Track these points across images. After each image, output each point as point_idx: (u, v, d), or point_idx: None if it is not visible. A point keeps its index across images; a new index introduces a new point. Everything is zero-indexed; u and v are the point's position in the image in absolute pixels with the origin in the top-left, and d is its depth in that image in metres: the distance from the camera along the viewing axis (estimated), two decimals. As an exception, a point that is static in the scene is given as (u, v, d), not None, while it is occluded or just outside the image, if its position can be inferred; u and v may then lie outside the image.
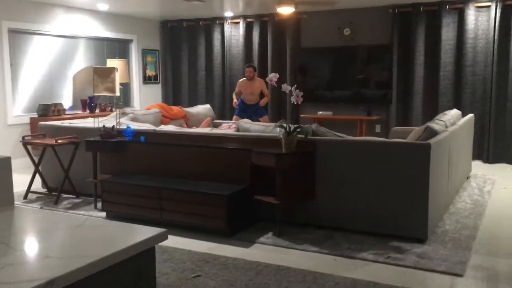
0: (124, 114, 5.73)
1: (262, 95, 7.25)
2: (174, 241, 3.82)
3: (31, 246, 1.38)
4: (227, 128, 6.03)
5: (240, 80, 7.42)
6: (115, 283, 1.33)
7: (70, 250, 1.33)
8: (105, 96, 7.91)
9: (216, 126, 6.50)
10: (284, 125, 3.96)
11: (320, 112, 8.01)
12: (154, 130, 4.91)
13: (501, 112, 6.87)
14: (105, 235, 1.45)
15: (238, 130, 4.99)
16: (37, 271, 1.18)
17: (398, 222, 3.80)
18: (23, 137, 5.20)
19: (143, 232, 1.44)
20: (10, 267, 1.20)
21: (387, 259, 3.43)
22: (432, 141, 3.76)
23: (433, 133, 4.03)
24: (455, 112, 5.38)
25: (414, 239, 3.75)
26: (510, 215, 4.58)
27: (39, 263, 1.23)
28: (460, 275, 3.16)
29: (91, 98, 7.66)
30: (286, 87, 4.14)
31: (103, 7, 7.58)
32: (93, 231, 1.48)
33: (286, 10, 6.27)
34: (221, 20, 8.76)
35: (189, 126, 6.38)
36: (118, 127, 4.95)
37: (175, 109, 6.55)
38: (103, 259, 1.25)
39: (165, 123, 5.99)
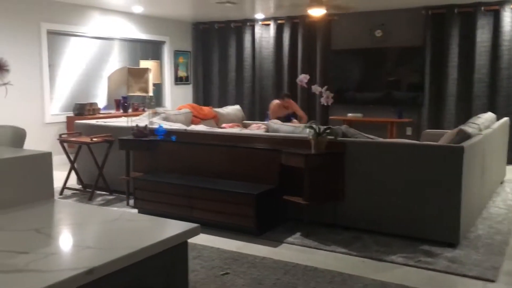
0: (156, 113, 5.85)
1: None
2: (203, 239, 3.89)
3: (71, 237, 1.45)
4: (256, 128, 6.07)
5: (273, 105, 7.20)
6: (149, 275, 1.38)
7: (108, 241, 1.39)
8: (138, 96, 8.08)
9: (245, 126, 6.55)
10: (314, 126, 3.97)
11: (350, 114, 7.96)
12: (185, 129, 5.00)
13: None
14: (140, 228, 1.51)
15: (267, 130, 5.02)
16: (77, 261, 1.24)
17: (429, 225, 3.75)
18: (60, 135, 5.38)
19: (176, 227, 1.49)
20: (52, 256, 1.26)
21: (417, 262, 3.39)
22: (465, 144, 3.70)
23: (466, 136, 3.96)
24: (489, 115, 5.27)
25: (445, 243, 3.70)
26: (546, 221, 4.45)
27: (79, 253, 1.29)
28: (493, 281, 3.10)
29: (124, 98, 7.85)
30: (316, 88, 4.15)
31: (138, 9, 7.75)
32: (128, 225, 1.54)
33: (317, 12, 6.27)
34: (251, 22, 8.82)
35: (219, 126, 6.45)
36: (150, 126, 5.05)
37: (206, 109, 6.63)
38: (138, 251, 1.30)
39: (196, 123, 6.07)
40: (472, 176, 3.93)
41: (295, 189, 4.14)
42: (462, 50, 7.15)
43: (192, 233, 1.47)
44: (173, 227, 1.49)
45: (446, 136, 4.32)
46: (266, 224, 4.08)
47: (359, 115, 7.92)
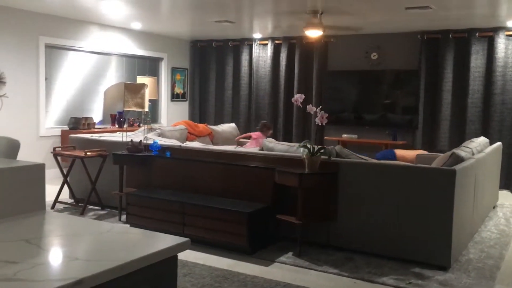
0: (151, 129, 5.86)
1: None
2: (194, 256, 3.86)
3: (61, 248, 1.44)
4: (251, 147, 6.09)
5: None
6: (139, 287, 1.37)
7: (97, 253, 1.39)
8: (134, 111, 8.09)
9: (240, 144, 6.57)
10: (308, 145, 3.99)
11: (345, 135, 8.01)
12: (180, 146, 5.00)
13: (531, 141, 6.74)
14: (130, 241, 1.51)
15: (262, 149, 5.04)
16: (66, 271, 1.23)
17: (420, 248, 3.75)
18: (54, 148, 5.37)
19: (166, 240, 1.49)
20: (40, 267, 1.26)
21: (408, 285, 3.38)
22: (457, 167, 3.72)
23: (459, 159, 3.99)
24: (482, 139, 5.31)
25: (437, 266, 3.69)
26: (538, 247, 4.46)
27: (68, 264, 1.29)
28: (483, 305, 3.09)
29: (120, 113, 7.86)
30: (311, 108, 4.18)
31: (136, 26, 7.82)
32: (119, 237, 1.54)
33: (314, 33, 6.35)
34: (249, 41, 8.91)
35: (214, 143, 6.46)
36: (145, 142, 5.06)
37: (201, 126, 6.66)
38: (128, 264, 1.30)
39: (191, 140, 6.09)
40: (464, 200, 3.95)
41: (288, 208, 4.13)
42: (456, 74, 7.24)
43: (182, 247, 1.47)
44: (162, 241, 1.49)
45: (439, 159, 4.35)
46: (258, 243, 4.07)
47: (354, 136, 7.96)
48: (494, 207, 5.77)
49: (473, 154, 4.46)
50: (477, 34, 7.06)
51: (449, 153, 4.18)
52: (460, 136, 7.10)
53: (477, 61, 7.08)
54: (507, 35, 6.87)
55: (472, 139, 5.17)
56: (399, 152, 5.96)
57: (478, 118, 7.09)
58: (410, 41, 7.58)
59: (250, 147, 6.38)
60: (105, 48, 7.85)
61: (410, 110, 7.61)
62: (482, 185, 4.73)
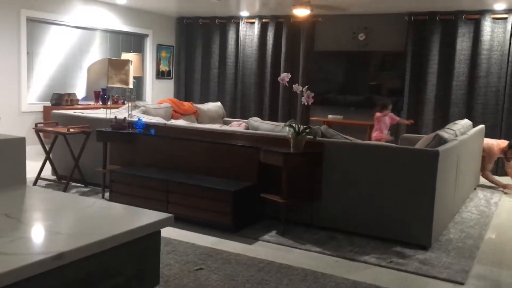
0: (135, 107, 5.79)
1: None
2: (178, 234, 3.87)
3: (41, 222, 1.42)
4: (237, 125, 6.07)
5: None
6: (120, 263, 1.36)
7: (79, 228, 1.37)
8: (118, 88, 7.99)
9: (226, 124, 6.55)
10: (294, 125, 3.99)
11: (331, 116, 8.02)
12: (165, 123, 4.96)
13: (513, 124, 6.83)
14: (113, 216, 1.49)
15: (247, 128, 5.02)
16: (46, 245, 1.22)
17: (402, 227, 3.80)
18: (36, 124, 5.28)
19: (149, 216, 1.47)
20: (21, 240, 1.24)
21: (389, 263, 3.44)
22: (440, 148, 3.76)
23: (442, 141, 4.03)
24: (465, 122, 5.37)
25: (418, 245, 3.75)
26: (516, 227, 4.56)
27: (49, 238, 1.27)
28: (462, 283, 3.16)
29: (104, 89, 7.74)
30: (297, 87, 4.16)
31: (121, 0, 7.66)
32: (101, 212, 1.52)
33: (301, 12, 6.30)
34: (236, 19, 8.80)
35: (199, 122, 6.43)
36: (129, 119, 5.00)
37: (186, 104, 6.60)
38: (110, 238, 1.28)
39: (176, 118, 6.04)
40: (446, 181, 4.00)
41: (273, 187, 4.14)
42: (442, 57, 7.26)
43: (165, 222, 1.46)
44: (146, 216, 1.48)
45: (422, 140, 4.38)
46: (242, 221, 4.08)
47: (339, 117, 7.98)
48: (475, 188, 5.86)
49: (456, 136, 4.50)
50: (464, 16, 7.07)
51: (432, 134, 4.21)
52: (444, 118, 7.16)
53: (463, 43, 7.10)
54: (493, 18, 6.89)
55: (456, 121, 5.22)
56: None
57: (462, 100, 7.15)
58: (398, 23, 7.56)
59: (380, 132, 6.66)
60: (89, 23, 7.68)
61: (396, 91, 7.64)
62: (464, 166, 4.80)
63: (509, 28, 6.77)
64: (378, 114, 6.74)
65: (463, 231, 4.21)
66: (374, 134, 6.73)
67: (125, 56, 8.19)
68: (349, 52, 7.96)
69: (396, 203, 3.81)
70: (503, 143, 5.97)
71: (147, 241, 1.43)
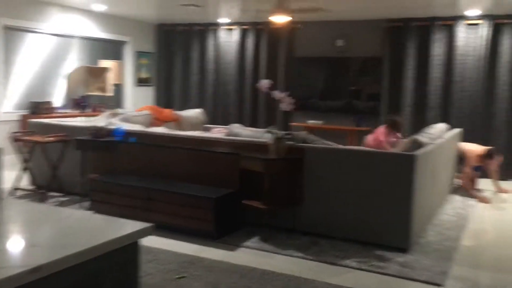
0: (115, 114, 5.75)
1: None
2: (160, 242, 3.84)
3: (18, 235, 1.40)
4: (218, 132, 6.07)
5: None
6: (99, 275, 1.35)
7: (57, 240, 1.36)
8: (97, 96, 7.92)
9: (207, 130, 6.54)
10: (274, 131, 4.01)
11: (311, 121, 8.08)
12: (145, 131, 4.93)
13: (487, 128, 6.98)
14: (91, 227, 1.48)
15: (228, 135, 5.03)
16: (23, 258, 1.21)
17: (382, 231, 3.85)
18: (12, 133, 5.19)
19: (128, 226, 1.47)
20: (-3, 254, 1.22)
21: (370, 267, 3.47)
22: (417, 152, 3.82)
23: (419, 145, 4.10)
24: (442, 125, 5.47)
25: (397, 248, 3.80)
26: (491, 228, 4.66)
27: (26, 251, 1.26)
28: (441, 285, 3.21)
29: (83, 97, 7.66)
30: (277, 94, 4.19)
31: (99, 7, 7.60)
32: (79, 224, 1.51)
33: (281, 19, 6.34)
34: (215, 26, 8.82)
35: (180, 129, 6.40)
36: (108, 127, 4.96)
37: (167, 111, 6.57)
38: (88, 250, 1.28)
39: (156, 125, 6.00)
40: (423, 184, 4.06)
41: (254, 193, 4.15)
42: (418, 62, 7.39)
43: (145, 232, 1.46)
44: (125, 226, 1.47)
45: (400, 145, 4.45)
46: (224, 228, 4.08)
47: (320, 122, 8.04)
48: (451, 191, 5.96)
49: (432, 139, 4.59)
50: (438, 23, 7.21)
51: (410, 138, 4.28)
52: (421, 122, 7.27)
53: (438, 49, 7.24)
54: (467, 24, 7.05)
55: (432, 125, 5.32)
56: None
57: (438, 104, 7.29)
58: (375, 29, 7.67)
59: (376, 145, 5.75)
60: (67, 31, 7.60)
61: (375, 96, 7.74)
62: (441, 169, 4.89)
63: (482, 34, 6.94)
64: (383, 130, 5.92)
65: (441, 233, 4.28)
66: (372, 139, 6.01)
67: (103, 63, 8.13)
68: (329, 58, 8.04)
69: (375, 206, 3.85)
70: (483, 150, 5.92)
71: (126, 252, 1.43)
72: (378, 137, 5.96)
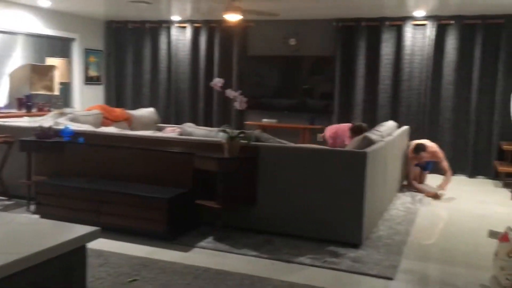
0: (63, 114, 5.54)
1: None
2: (111, 245, 3.74)
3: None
4: (171, 131, 5.98)
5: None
6: (44, 281, 1.29)
7: (-3, 247, 1.28)
8: (44, 95, 7.61)
9: (160, 130, 6.43)
10: (228, 130, 3.99)
11: (265, 120, 8.11)
12: (94, 131, 4.79)
13: (434, 125, 7.26)
14: (34, 232, 1.41)
15: (181, 134, 4.96)
16: (-42, 268, 1.13)
17: (335, 227, 3.92)
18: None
19: (74, 230, 1.41)
20: None
21: (323, 263, 3.52)
22: (368, 150, 3.91)
23: (370, 142, 4.20)
24: (391, 123, 5.63)
25: (350, 244, 3.88)
26: (438, 222, 4.84)
27: (-40, 260, 1.18)
28: (391, 279, 3.30)
29: (28, 96, 7.34)
30: (230, 93, 4.17)
31: (44, 3, 7.31)
32: (22, 228, 1.43)
33: (233, 18, 6.32)
34: (167, 24, 8.68)
35: (131, 129, 6.26)
36: (55, 127, 4.78)
37: (118, 111, 6.41)
38: (31, 256, 1.21)
39: (107, 125, 5.84)
40: (374, 180, 4.17)
41: (209, 193, 4.12)
42: (368, 61, 7.58)
43: (92, 236, 1.40)
44: (70, 231, 1.41)
45: (352, 142, 4.55)
46: (178, 229, 4.02)
47: (273, 121, 8.09)
48: (401, 187, 6.15)
49: (382, 137, 4.71)
50: (387, 23, 7.42)
51: (361, 136, 4.38)
52: (371, 120, 7.46)
53: (387, 48, 7.45)
54: (414, 25, 7.29)
55: (382, 123, 5.47)
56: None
57: (388, 103, 7.50)
58: (327, 28, 7.80)
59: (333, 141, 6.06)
60: (10, 27, 7.25)
61: (327, 95, 7.87)
62: (391, 166, 5.03)
63: (428, 33, 7.20)
64: (347, 130, 6.06)
65: (391, 228, 4.40)
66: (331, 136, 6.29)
67: (50, 61, 7.82)
68: (281, 56, 8.10)
69: (328, 204, 3.91)
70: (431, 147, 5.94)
71: (73, 257, 1.37)
72: (340, 135, 6.15)
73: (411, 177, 6.07)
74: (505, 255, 3.24)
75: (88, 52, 8.74)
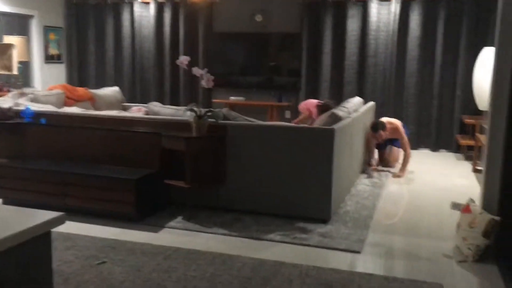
0: (23, 94, 5.34)
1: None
2: (79, 228, 3.68)
3: None
4: (137, 111, 5.87)
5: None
6: (8, 269, 1.25)
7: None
8: (2, 75, 7.31)
9: (125, 109, 6.30)
10: (195, 109, 3.94)
11: (233, 97, 8.06)
12: (57, 112, 4.65)
13: (399, 101, 7.38)
14: (-5, 220, 1.36)
15: (148, 113, 4.87)
16: None
17: (304, 203, 3.96)
18: None
19: (38, 216, 1.37)
20: None
21: (293, 239, 3.57)
22: (336, 126, 3.95)
23: (337, 119, 4.23)
24: (357, 99, 5.69)
25: (319, 219, 3.94)
26: (404, 196, 4.97)
27: None
28: (359, 252, 3.38)
29: (-15, 76, 7.04)
30: (197, 71, 4.11)
31: (-1, -23, 6.95)
32: (-19, 217, 1.38)
33: (198, -7, 6.19)
34: (130, 0, 8.43)
35: (95, 109, 6.11)
36: (15, 108, 4.61)
37: (81, 90, 6.23)
38: (-8, 245, 1.17)
39: (69, 105, 5.68)
40: (342, 156, 4.22)
41: (177, 173, 4.08)
42: (334, 38, 7.59)
43: (56, 222, 1.36)
44: (34, 217, 1.36)
45: (319, 119, 4.57)
46: (146, 210, 3.99)
47: (241, 98, 8.05)
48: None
49: (349, 113, 4.76)
50: (353, -1, 7.42)
51: (328, 113, 4.41)
52: (338, 97, 7.53)
53: (353, 25, 7.47)
54: (379, 1, 7.33)
55: (349, 99, 5.51)
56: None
57: (354, 79, 7.56)
58: (293, 5, 7.74)
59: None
60: (-39, 2, 6.88)
61: (294, 72, 7.87)
62: (357, 142, 5.10)
63: (393, 9, 7.25)
64: (314, 107, 6.26)
65: (358, 203, 4.49)
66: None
67: (8, 39, 7.49)
68: (248, 33, 8.01)
69: (297, 180, 3.95)
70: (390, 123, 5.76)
71: (37, 244, 1.33)
72: (311, 111, 6.33)
73: (371, 156, 5.88)
74: (467, 225, 3.36)
75: (47, 30, 8.41)
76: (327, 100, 6.38)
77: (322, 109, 5.82)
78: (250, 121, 4.26)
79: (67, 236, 3.50)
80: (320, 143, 3.85)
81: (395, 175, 5.55)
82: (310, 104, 6.53)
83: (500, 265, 3.18)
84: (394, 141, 6.03)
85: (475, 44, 6.91)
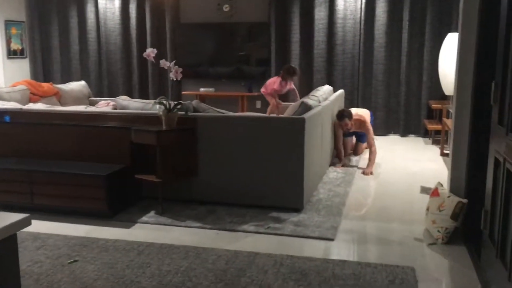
0: (-16, 92, 5.16)
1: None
2: (48, 227, 3.60)
3: None
4: (104, 105, 5.76)
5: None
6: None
7: None
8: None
9: (93, 104, 6.17)
10: (164, 102, 3.89)
11: (202, 89, 8.00)
12: (21, 108, 4.51)
13: (368, 88, 7.47)
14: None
15: (116, 108, 4.78)
16: None
17: (277, 193, 3.98)
18: None
19: (2, 219, 1.32)
20: None
21: (267, 229, 3.58)
22: (306, 115, 3.97)
23: (308, 108, 4.25)
24: (327, 88, 5.73)
25: (292, 208, 3.96)
26: (375, 182, 5.05)
27: None
28: (332, 239, 3.42)
29: None
30: (164, 63, 4.05)
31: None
32: None
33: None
34: (94, -9, 8.23)
35: (62, 104, 5.97)
36: (-23, 106, 4.45)
37: (46, 85, 6.06)
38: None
39: (34, 101, 5.53)
40: (313, 145, 4.25)
41: (148, 167, 4.03)
42: (302, 27, 7.60)
43: (22, 224, 1.32)
44: (-3, 220, 1.32)
45: (290, 108, 4.59)
46: (118, 206, 3.93)
47: (211, 89, 7.99)
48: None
49: (319, 102, 4.79)
50: (320, -13, 7.43)
51: (299, 102, 4.42)
52: (308, 85, 7.56)
53: (320, 13, 7.50)
54: (346, -11, 7.36)
55: (318, 88, 5.54)
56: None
57: (323, 67, 7.61)
58: (260, -6, 7.70)
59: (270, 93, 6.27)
60: None
61: (263, 61, 7.85)
62: (328, 130, 5.14)
63: (359, -2, 7.30)
64: (275, 79, 6.39)
65: (331, 190, 4.54)
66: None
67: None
68: (216, 23, 7.94)
69: (269, 171, 3.95)
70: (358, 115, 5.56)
71: (2, 247, 1.29)
72: (271, 86, 6.36)
73: (339, 146, 5.60)
74: (436, 209, 3.44)
75: (9, 24, 8.13)
76: (288, 65, 6.60)
77: (285, 71, 6.18)
78: (220, 112, 4.23)
79: (37, 236, 3.42)
80: (291, 133, 3.87)
81: (365, 172, 5.23)
82: (270, 84, 6.42)
83: (468, 246, 3.27)
84: (360, 136, 5.89)
85: (440, 30, 7.04)
